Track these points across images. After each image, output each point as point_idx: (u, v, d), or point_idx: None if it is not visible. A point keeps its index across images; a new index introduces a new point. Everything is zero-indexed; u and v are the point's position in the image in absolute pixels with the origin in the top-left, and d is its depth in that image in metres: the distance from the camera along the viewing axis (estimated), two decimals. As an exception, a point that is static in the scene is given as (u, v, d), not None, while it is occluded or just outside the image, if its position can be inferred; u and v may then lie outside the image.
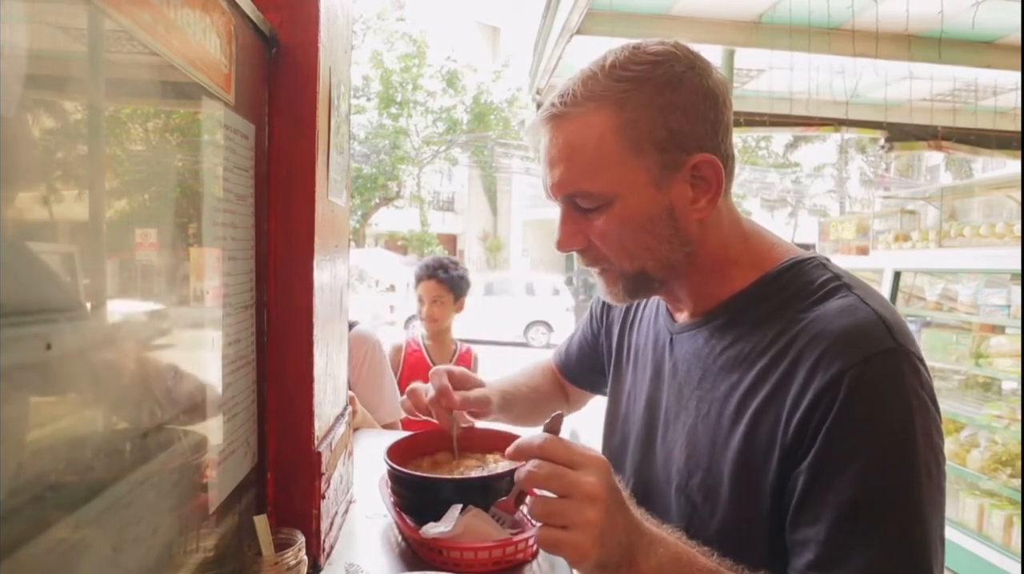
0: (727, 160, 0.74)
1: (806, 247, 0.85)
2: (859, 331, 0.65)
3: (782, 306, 0.72)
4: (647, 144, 0.70)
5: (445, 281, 2.35)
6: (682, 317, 0.84)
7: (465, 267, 2.48)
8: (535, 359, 1.28)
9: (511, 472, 0.93)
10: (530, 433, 0.67)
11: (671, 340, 0.85)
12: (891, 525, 0.60)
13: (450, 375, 1.02)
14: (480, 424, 1.12)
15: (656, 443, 0.84)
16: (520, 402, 1.15)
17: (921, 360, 0.65)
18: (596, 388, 1.15)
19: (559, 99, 0.74)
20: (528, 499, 0.78)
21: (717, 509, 0.72)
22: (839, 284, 0.71)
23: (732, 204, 0.80)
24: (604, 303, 1.07)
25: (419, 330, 2.51)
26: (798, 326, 0.69)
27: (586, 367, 1.14)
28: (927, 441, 0.62)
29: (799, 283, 0.73)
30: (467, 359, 2.41)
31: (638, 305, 0.98)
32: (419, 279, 2.40)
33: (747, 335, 0.74)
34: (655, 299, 0.92)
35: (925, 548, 0.61)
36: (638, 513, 0.64)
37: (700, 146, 0.71)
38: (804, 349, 0.66)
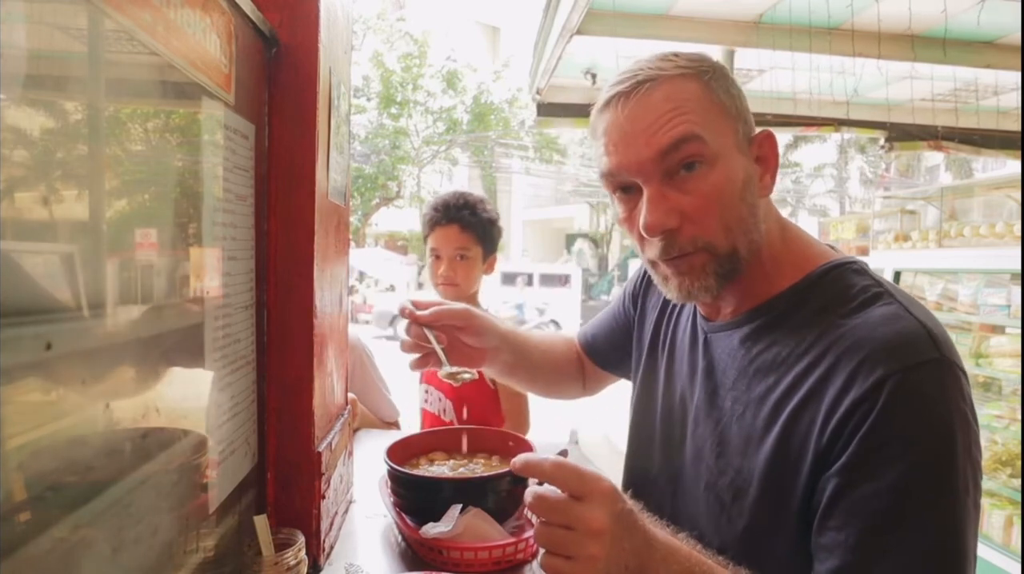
0: None
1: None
2: (902, 340, 0.63)
3: (821, 311, 0.71)
4: (730, 111, 0.73)
5: (473, 227, 1.60)
6: (719, 315, 0.83)
7: (495, 209, 1.69)
8: (561, 332, 1.24)
9: (511, 472, 0.93)
10: (538, 445, 0.66)
11: (707, 339, 0.84)
12: (923, 541, 0.59)
13: (416, 303, 0.99)
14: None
15: (687, 439, 0.84)
16: (532, 362, 1.10)
17: (964, 372, 0.64)
18: (618, 370, 1.12)
19: (642, 69, 0.73)
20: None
21: (745, 510, 0.72)
22: (881, 291, 0.70)
23: (771, 200, 0.80)
24: (641, 286, 1.04)
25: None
26: (838, 331, 0.67)
27: (613, 346, 1.10)
28: (967, 456, 0.60)
29: (839, 288, 0.72)
30: None
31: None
32: (434, 224, 1.62)
33: (785, 338, 0.73)
34: None
35: (957, 563, 0.59)
36: (651, 529, 0.63)
37: (755, 125, 0.75)
38: (843, 355, 0.65)
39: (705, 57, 0.75)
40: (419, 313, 0.97)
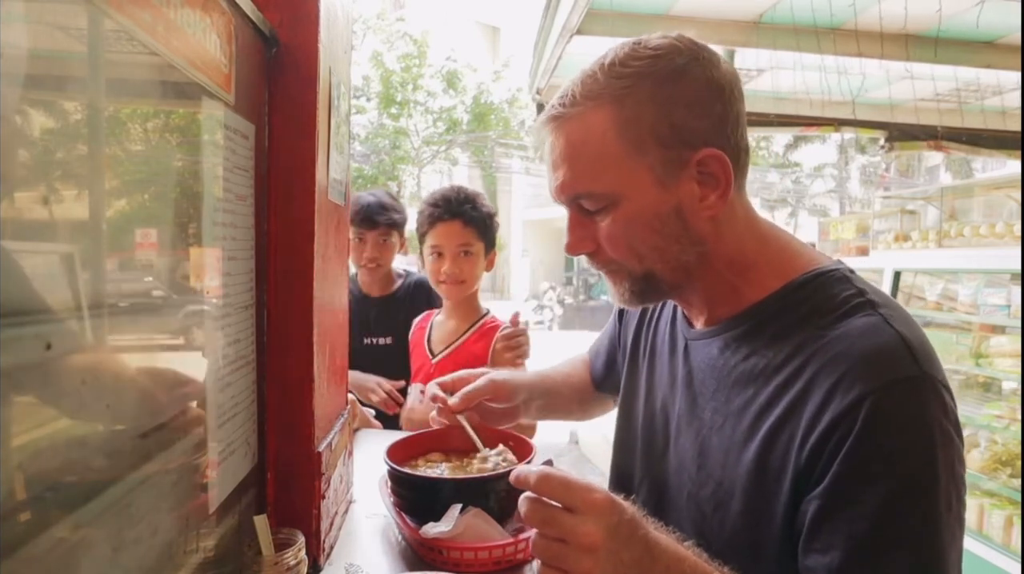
0: (739, 153, 0.72)
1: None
2: (881, 354, 0.62)
3: (802, 321, 0.69)
4: (649, 141, 0.69)
5: (475, 222, 1.56)
6: (698, 323, 0.82)
7: (490, 203, 1.68)
8: (576, 352, 1.26)
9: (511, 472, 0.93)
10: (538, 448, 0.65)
11: (687, 346, 0.83)
12: (908, 558, 0.59)
13: (442, 386, 1.03)
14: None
15: (669, 448, 0.83)
16: (555, 393, 1.14)
17: (946, 386, 0.63)
18: (614, 393, 1.12)
19: (559, 100, 0.73)
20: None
21: (727, 522, 0.71)
22: (863, 301, 0.68)
23: (748, 202, 0.77)
24: None
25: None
26: (817, 344, 0.66)
27: (609, 372, 1.11)
28: (949, 473, 0.60)
29: (821, 297, 0.70)
30: (489, 336, 1.61)
31: (657, 305, 0.96)
32: (434, 220, 1.57)
33: (764, 349, 0.71)
34: (671, 302, 0.90)
35: None
36: (655, 537, 0.61)
37: (706, 141, 0.69)
38: (822, 369, 0.64)
39: (650, 61, 0.69)
40: (450, 402, 1.01)
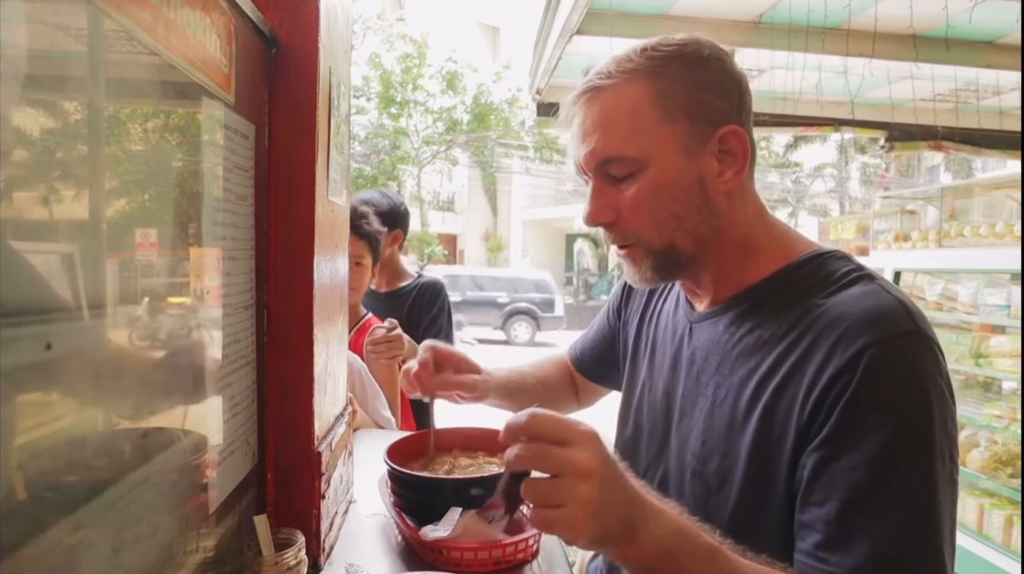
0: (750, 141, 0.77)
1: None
2: (880, 313, 0.65)
3: (803, 294, 0.73)
4: (680, 113, 0.74)
5: (366, 237, 1.73)
6: (701, 306, 0.85)
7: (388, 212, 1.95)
8: (551, 352, 1.28)
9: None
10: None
11: (690, 329, 0.86)
12: (903, 510, 0.59)
13: (435, 352, 1.02)
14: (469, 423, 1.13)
15: (671, 432, 0.84)
16: (525, 391, 1.15)
17: (940, 348, 0.66)
18: (609, 382, 1.15)
19: (595, 75, 0.77)
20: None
21: (731, 493, 0.72)
22: (861, 274, 0.72)
23: (756, 192, 0.81)
24: (623, 298, 1.08)
25: None
26: (818, 310, 0.69)
27: (601, 360, 1.13)
28: (943, 429, 0.62)
29: (821, 273, 0.74)
30: (364, 333, 1.77)
31: (657, 297, 0.98)
32: None
33: (767, 322, 0.75)
34: (675, 290, 0.93)
35: (935, 535, 0.59)
36: (638, 484, 0.61)
37: (727, 120, 0.75)
38: (823, 331, 0.67)
39: (679, 47, 0.76)
40: (427, 383, 1.01)
